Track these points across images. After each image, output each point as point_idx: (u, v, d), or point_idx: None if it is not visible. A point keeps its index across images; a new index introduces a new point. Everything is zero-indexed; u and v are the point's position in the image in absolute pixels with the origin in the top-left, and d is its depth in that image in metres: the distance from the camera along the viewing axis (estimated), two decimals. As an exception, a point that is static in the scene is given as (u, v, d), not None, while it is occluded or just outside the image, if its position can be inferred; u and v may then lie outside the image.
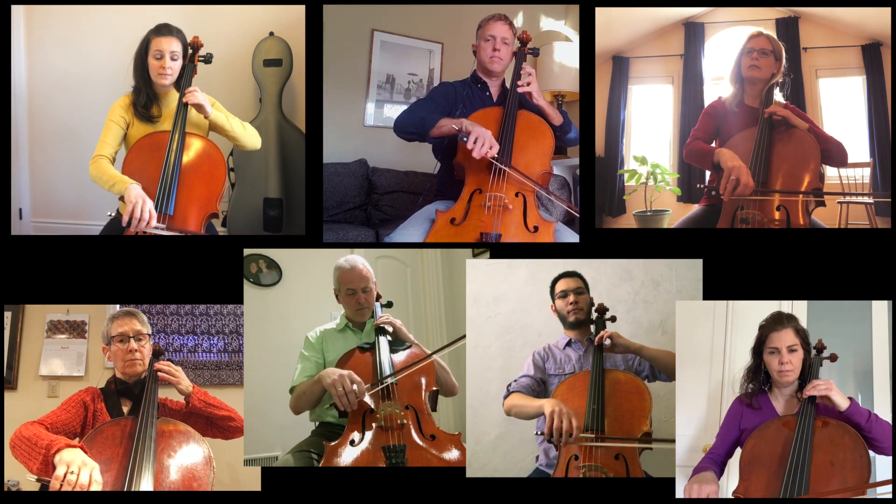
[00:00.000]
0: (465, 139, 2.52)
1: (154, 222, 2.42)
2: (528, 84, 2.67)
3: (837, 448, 2.04)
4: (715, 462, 2.18)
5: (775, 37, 2.71)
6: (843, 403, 2.06)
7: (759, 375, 2.17)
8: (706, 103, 2.87)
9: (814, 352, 2.15)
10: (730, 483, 2.42)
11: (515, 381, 2.44)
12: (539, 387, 2.43)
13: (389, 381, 2.30)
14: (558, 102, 4.05)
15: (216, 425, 2.29)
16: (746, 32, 2.77)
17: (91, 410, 2.22)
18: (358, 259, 2.56)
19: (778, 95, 2.69)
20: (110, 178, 2.49)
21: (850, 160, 3.26)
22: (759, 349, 2.16)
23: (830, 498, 2.01)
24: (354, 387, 2.17)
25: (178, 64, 2.61)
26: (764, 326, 2.16)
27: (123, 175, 2.50)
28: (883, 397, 2.34)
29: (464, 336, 2.48)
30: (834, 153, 2.67)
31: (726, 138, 2.70)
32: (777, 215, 2.53)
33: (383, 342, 2.43)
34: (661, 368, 2.37)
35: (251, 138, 2.74)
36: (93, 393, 2.26)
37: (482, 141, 2.49)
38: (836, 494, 2.01)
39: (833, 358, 2.16)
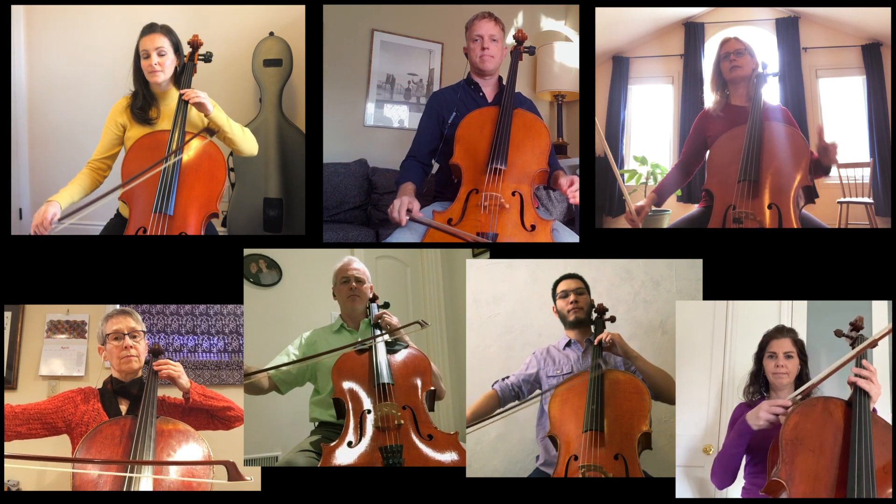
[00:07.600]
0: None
1: (52, 225, 2.48)
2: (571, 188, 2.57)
3: (887, 450, 1.97)
4: None
5: (748, 44, 2.75)
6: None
7: (759, 379, 2.24)
8: (706, 103, 2.87)
9: (849, 328, 2.13)
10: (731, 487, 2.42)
11: (504, 379, 2.49)
12: (518, 391, 2.47)
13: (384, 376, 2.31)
14: (558, 103, 4.05)
15: (217, 417, 2.31)
16: (718, 40, 2.84)
17: (80, 410, 2.22)
18: (356, 258, 2.62)
19: (765, 87, 2.70)
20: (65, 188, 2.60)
21: (850, 160, 3.27)
22: (760, 354, 2.25)
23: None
24: None
25: (167, 59, 2.60)
26: (766, 334, 2.25)
27: (64, 190, 2.57)
28: (883, 397, 2.33)
29: (419, 321, 2.44)
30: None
31: (714, 138, 2.71)
32: (769, 214, 2.54)
33: (379, 340, 2.42)
34: (651, 385, 2.31)
35: (249, 143, 2.72)
36: (86, 392, 2.26)
37: (394, 207, 2.50)
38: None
39: (872, 343, 2.06)
